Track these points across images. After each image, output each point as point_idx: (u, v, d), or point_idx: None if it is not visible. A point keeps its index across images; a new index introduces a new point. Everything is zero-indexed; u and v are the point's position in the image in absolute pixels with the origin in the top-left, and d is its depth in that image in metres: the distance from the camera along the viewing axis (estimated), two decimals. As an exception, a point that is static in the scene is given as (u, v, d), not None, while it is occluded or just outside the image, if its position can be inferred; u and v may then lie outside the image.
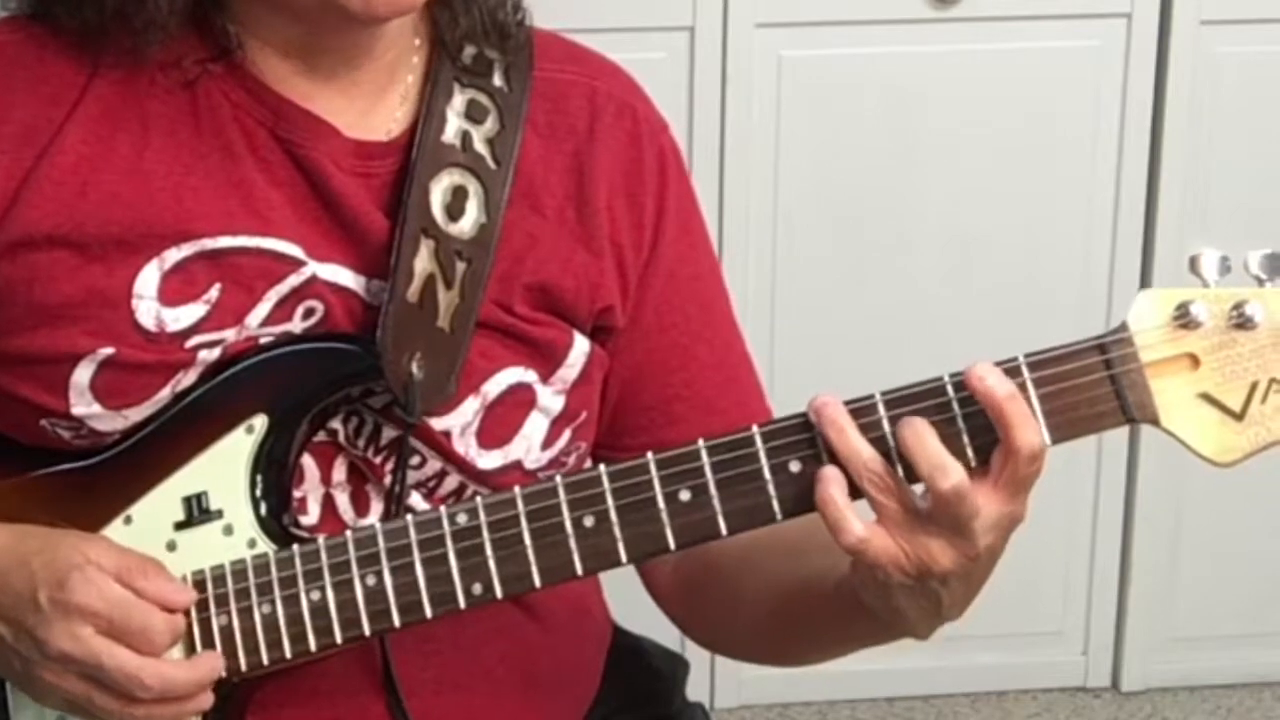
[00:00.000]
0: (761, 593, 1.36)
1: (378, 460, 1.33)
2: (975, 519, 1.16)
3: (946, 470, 1.15)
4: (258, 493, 1.29)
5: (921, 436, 1.16)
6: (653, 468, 1.21)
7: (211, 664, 1.26)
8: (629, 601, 1.53)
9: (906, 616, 1.22)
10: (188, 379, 1.29)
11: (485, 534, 1.23)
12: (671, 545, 1.21)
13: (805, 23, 2.54)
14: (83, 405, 1.29)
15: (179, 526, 1.29)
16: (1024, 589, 2.71)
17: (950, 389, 1.17)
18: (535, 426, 1.35)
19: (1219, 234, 2.59)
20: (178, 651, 1.26)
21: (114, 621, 1.22)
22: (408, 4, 1.27)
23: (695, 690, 1.63)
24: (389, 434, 1.33)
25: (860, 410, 1.18)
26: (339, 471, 1.34)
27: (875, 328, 2.64)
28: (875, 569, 1.18)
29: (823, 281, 2.64)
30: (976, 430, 1.17)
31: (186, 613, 1.26)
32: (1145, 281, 2.67)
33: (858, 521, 1.17)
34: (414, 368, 1.30)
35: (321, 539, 1.26)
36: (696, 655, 1.64)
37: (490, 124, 1.37)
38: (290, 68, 1.33)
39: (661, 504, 1.20)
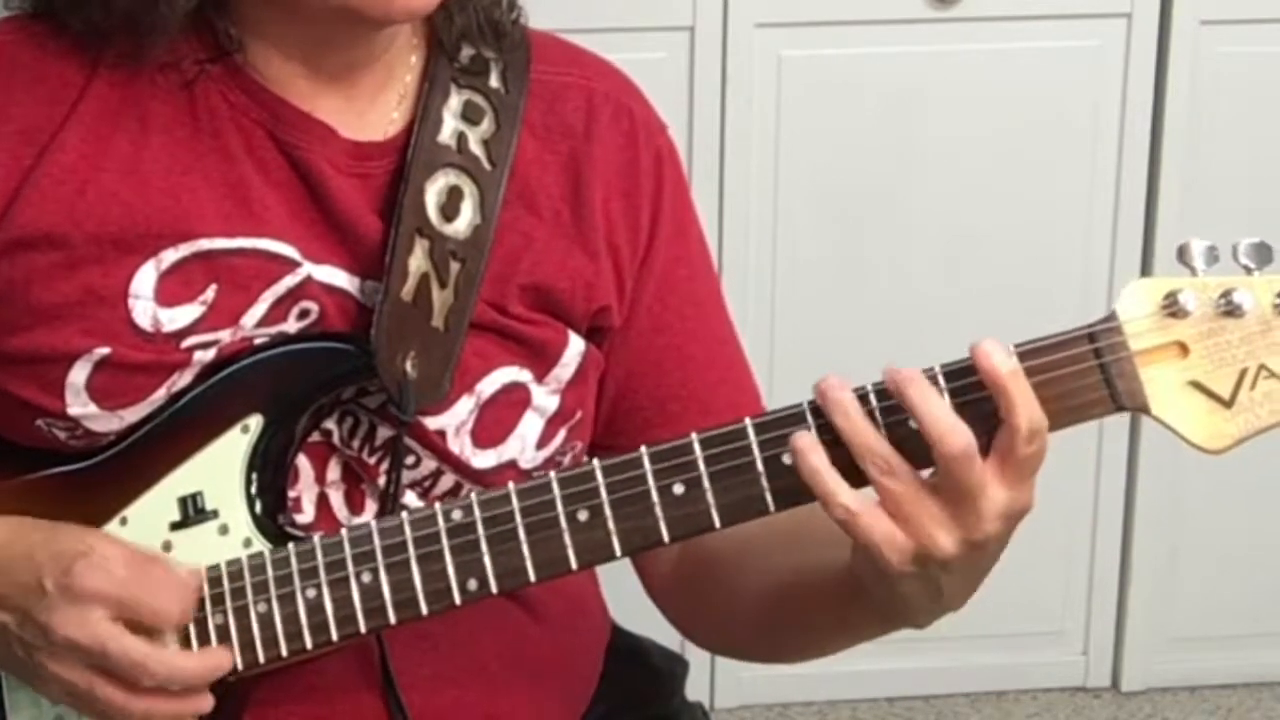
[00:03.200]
0: (760, 587, 1.35)
1: (372, 460, 1.34)
2: (983, 494, 1.13)
3: (957, 429, 1.12)
4: (253, 492, 1.29)
5: (929, 396, 1.13)
6: (646, 461, 1.20)
7: (219, 659, 1.26)
8: (629, 601, 1.53)
9: (908, 604, 1.20)
10: (183, 379, 1.30)
11: (480, 530, 1.23)
12: (665, 538, 1.21)
13: (805, 23, 2.54)
14: (78, 405, 1.29)
15: (175, 527, 1.29)
16: (1024, 589, 2.71)
17: (942, 379, 1.16)
18: (530, 426, 1.36)
19: (1219, 234, 2.54)
20: (175, 646, 1.26)
21: (124, 602, 1.22)
22: (423, 6, 1.27)
23: (695, 690, 1.63)
24: (384, 434, 1.33)
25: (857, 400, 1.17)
26: (333, 471, 1.34)
27: (875, 327, 2.64)
28: (871, 550, 1.15)
29: (823, 281, 2.64)
30: (973, 419, 1.14)
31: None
32: (1145, 281, 2.67)
33: (847, 491, 1.14)
34: (408, 366, 1.30)
35: (317, 538, 1.26)
36: (696, 655, 1.64)
37: (486, 125, 1.37)
38: (292, 69, 1.33)
39: (655, 497, 1.20)
